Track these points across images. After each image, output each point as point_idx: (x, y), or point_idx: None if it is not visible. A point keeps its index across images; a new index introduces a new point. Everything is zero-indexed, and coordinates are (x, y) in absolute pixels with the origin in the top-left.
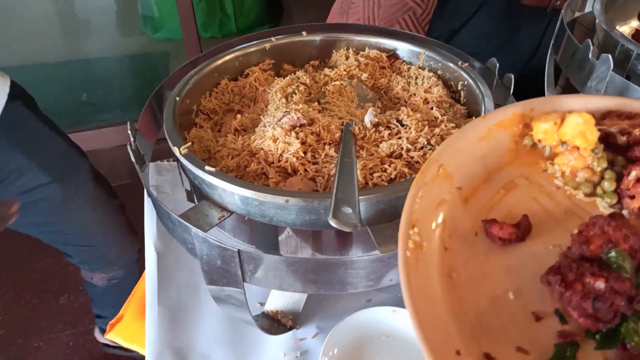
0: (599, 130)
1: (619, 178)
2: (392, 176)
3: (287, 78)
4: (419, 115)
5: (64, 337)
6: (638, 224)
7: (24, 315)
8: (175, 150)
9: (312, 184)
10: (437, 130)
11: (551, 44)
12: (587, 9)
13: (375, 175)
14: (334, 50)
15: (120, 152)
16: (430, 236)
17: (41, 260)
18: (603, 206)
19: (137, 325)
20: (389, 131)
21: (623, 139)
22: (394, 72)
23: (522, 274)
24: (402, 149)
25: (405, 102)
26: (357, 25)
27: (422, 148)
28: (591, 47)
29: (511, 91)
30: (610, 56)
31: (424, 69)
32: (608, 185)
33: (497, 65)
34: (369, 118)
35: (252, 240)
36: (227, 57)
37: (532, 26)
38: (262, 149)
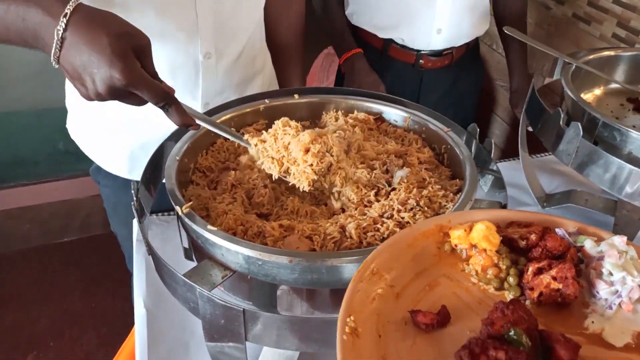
0: (502, 235)
1: (522, 274)
2: (385, 235)
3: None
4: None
5: None
6: (538, 311)
7: None
8: (178, 209)
9: (309, 242)
10: (424, 192)
11: (524, 109)
12: (556, 75)
13: (369, 234)
14: (323, 112)
15: (95, 202)
16: (365, 324)
17: (10, 315)
18: (510, 298)
19: None
20: (375, 190)
21: (523, 242)
22: (380, 133)
23: (444, 353)
24: (393, 209)
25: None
26: (346, 89)
27: (411, 209)
28: (562, 115)
29: (492, 154)
30: (579, 124)
31: (409, 132)
32: (512, 280)
33: (478, 130)
34: (403, 174)
35: (250, 297)
36: (224, 118)
37: (407, 79)
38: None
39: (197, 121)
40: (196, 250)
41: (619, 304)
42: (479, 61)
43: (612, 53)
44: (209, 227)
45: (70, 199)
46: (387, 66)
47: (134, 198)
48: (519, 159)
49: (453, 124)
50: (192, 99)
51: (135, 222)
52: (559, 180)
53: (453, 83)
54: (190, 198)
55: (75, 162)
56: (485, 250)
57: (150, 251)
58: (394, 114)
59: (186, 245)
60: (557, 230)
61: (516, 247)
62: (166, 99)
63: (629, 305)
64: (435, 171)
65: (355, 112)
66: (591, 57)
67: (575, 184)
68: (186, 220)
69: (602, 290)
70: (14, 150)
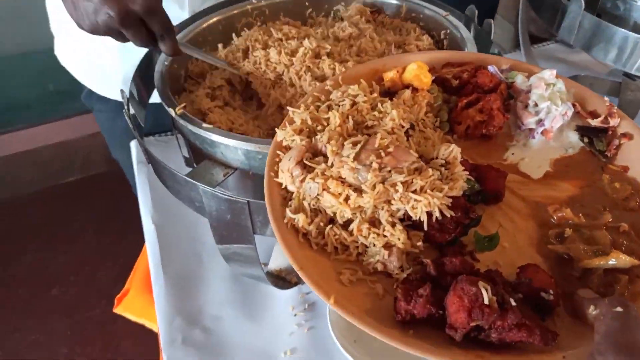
0: (436, 76)
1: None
2: None
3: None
4: None
5: (61, 327)
6: (465, 144)
7: (18, 310)
8: (171, 111)
9: None
10: None
11: None
12: None
13: None
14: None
15: (94, 141)
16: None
17: (28, 255)
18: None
19: (143, 299)
20: None
21: (456, 81)
22: (377, 25)
23: None
24: None
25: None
26: None
27: None
28: None
29: (492, 36)
30: None
31: (406, 21)
32: (442, 115)
33: (476, 12)
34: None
35: (256, 196)
36: (211, 21)
37: None
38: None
39: (186, 50)
40: (196, 154)
41: (542, 132)
42: None
43: None
44: (205, 125)
45: (68, 139)
46: None
47: (127, 110)
48: (520, 51)
49: (450, 8)
50: (180, 8)
51: (132, 144)
52: (562, 67)
53: None
54: (185, 103)
55: (70, 101)
56: (417, 90)
57: (150, 159)
58: (389, 4)
59: (186, 154)
60: (489, 67)
61: (449, 86)
62: (152, 43)
63: (551, 133)
64: None
65: (355, 3)
66: None
67: (577, 70)
68: (181, 122)
69: (527, 120)
70: (3, 95)
